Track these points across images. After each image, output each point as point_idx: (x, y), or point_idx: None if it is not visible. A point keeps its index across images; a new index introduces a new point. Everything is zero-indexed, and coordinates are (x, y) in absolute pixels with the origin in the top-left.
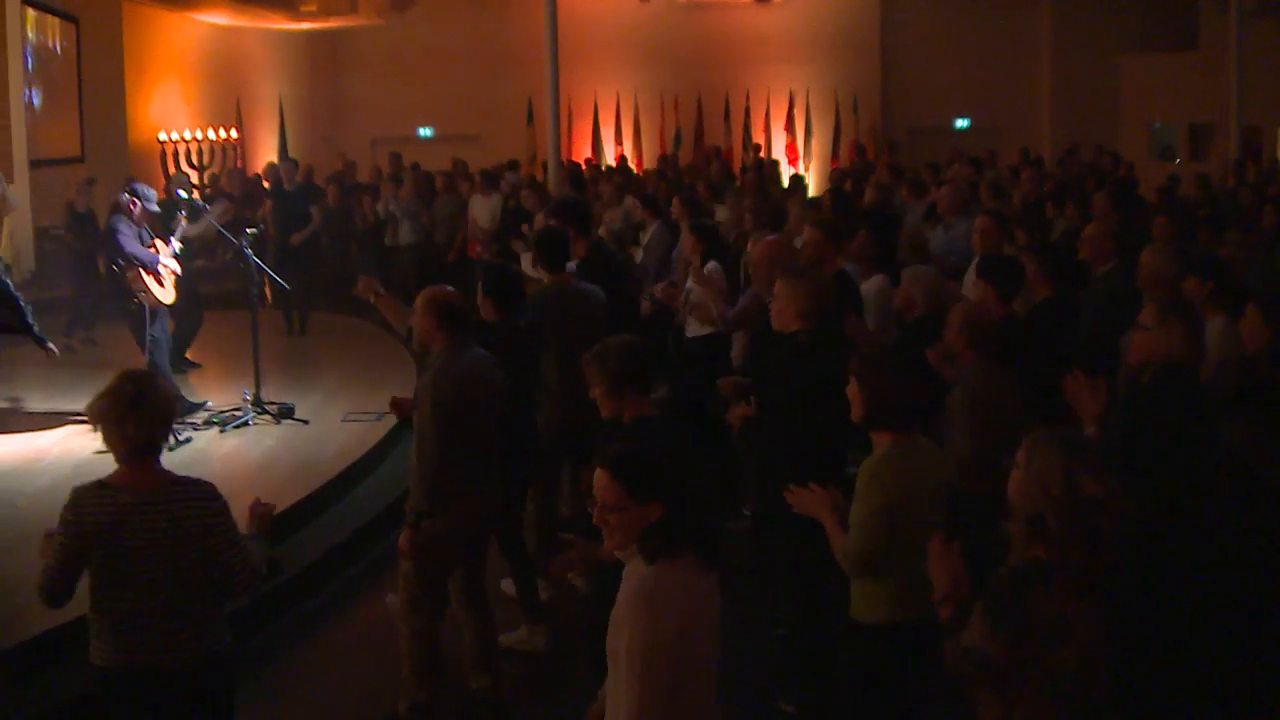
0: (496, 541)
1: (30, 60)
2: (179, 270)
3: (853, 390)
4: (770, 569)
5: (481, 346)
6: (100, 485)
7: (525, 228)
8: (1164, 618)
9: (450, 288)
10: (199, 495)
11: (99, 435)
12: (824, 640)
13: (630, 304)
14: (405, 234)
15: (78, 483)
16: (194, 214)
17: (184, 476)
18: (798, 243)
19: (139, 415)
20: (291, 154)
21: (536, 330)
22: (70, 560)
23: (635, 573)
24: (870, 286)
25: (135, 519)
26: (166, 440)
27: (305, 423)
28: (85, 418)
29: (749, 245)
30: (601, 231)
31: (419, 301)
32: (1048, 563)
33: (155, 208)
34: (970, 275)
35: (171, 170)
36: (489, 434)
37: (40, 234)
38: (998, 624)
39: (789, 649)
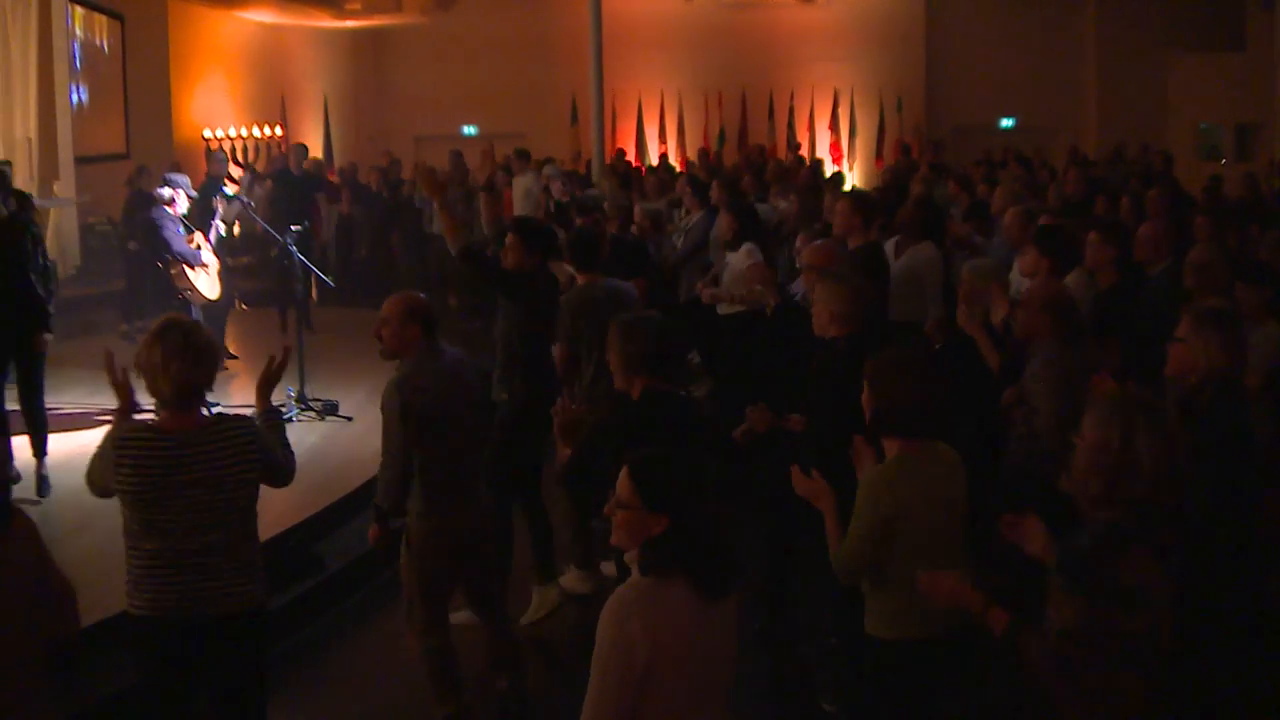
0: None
1: (78, 58)
2: (216, 264)
3: (865, 394)
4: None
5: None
6: (148, 428)
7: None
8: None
9: (420, 294)
10: (235, 430)
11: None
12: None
13: (662, 289)
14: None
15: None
16: (228, 205)
17: (220, 415)
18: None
19: (184, 357)
20: (336, 152)
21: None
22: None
23: (629, 577)
24: (920, 252)
25: (185, 458)
26: (210, 387)
27: (349, 419)
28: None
29: (798, 240)
30: (636, 216)
31: (394, 309)
32: (1123, 526)
33: (194, 193)
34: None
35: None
36: (470, 441)
37: (86, 230)
38: (1074, 587)
39: (832, 650)
